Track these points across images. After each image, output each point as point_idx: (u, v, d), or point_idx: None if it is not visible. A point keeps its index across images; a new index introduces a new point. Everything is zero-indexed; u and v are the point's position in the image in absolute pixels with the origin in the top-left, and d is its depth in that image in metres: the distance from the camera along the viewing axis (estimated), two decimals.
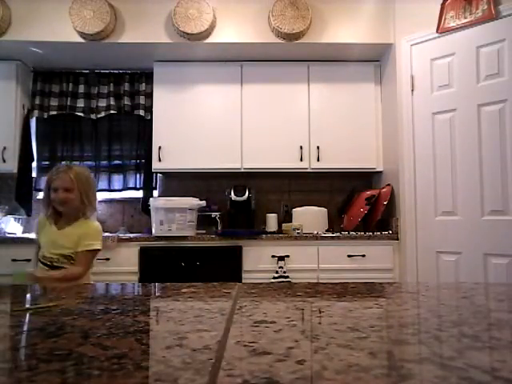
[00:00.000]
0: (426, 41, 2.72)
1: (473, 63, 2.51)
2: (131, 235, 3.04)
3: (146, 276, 2.81)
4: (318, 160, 3.17)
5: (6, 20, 2.89)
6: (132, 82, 3.47)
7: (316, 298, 0.47)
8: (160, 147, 3.17)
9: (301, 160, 3.16)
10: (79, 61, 3.30)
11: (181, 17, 2.88)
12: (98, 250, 1.95)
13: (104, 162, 3.53)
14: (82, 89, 3.44)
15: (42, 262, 1.93)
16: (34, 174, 3.40)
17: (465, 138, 2.53)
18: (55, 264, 1.90)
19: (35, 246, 2.01)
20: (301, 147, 3.17)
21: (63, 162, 2.02)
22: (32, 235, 3.08)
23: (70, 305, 0.46)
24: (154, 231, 2.90)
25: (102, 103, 3.44)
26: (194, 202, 2.93)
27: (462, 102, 2.55)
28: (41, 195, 3.51)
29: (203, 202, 2.98)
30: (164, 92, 3.23)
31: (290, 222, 3.14)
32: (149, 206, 2.97)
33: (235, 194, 3.17)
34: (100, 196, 3.50)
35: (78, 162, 3.53)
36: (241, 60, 3.22)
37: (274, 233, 3.06)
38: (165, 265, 2.84)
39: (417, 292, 0.53)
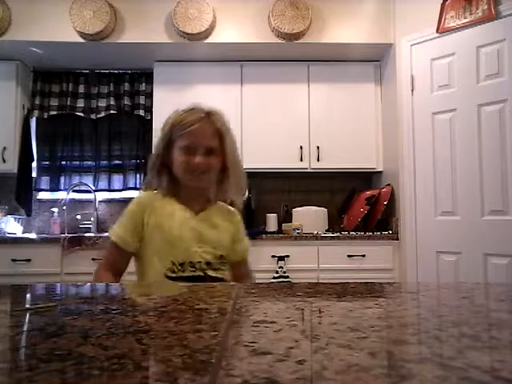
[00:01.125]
0: (426, 41, 2.72)
1: (473, 63, 2.51)
2: None
3: None
4: (318, 160, 3.17)
5: (5, 20, 2.89)
6: (132, 82, 3.47)
7: (316, 297, 0.47)
8: None
9: (301, 160, 3.16)
10: (79, 61, 3.29)
11: (181, 17, 2.88)
12: None
13: (104, 162, 3.52)
14: (82, 89, 3.44)
15: (172, 278, 1.16)
16: (34, 174, 3.40)
17: (465, 137, 2.53)
18: (208, 272, 1.20)
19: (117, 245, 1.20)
20: (301, 147, 3.16)
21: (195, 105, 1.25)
22: (32, 235, 3.09)
23: (70, 305, 0.46)
24: None
25: (102, 103, 3.44)
26: None
27: (462, 102, 2.55)
28: (41, 195, 3.51)
29: None
30: (164, 92, 3.23)
31: (290, 222, 3.14)
32: None
33: None
34: (100, 196, 3.51)
35: (77, 163, 3.53)
36: (241, 60, 3.22)
37: (274, 233, 3.06)
38: None
39: (417, 292, 0.53)
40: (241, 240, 1.33)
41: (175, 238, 1.19)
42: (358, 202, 3.17)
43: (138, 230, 1.20)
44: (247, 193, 3.19)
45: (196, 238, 1.21)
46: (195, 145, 1.19)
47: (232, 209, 1.33)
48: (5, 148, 3.14)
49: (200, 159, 1.18)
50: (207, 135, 1.20)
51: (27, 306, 0.48)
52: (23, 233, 3.26)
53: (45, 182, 3.46)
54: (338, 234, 2.90)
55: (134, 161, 3.52)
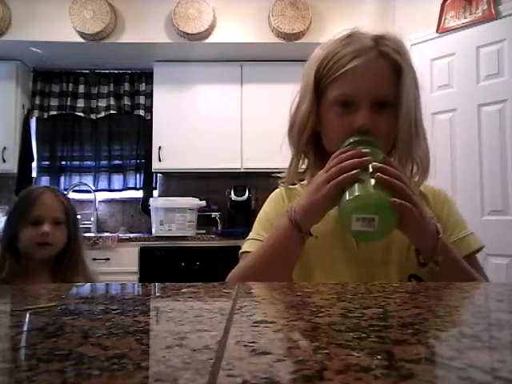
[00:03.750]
0: (426, 41, 2.72)
1: (473, 63, 2.51)
2: (131, 235, 3.04)
3: (145, 276, 2.81)
4: None
5: (6, 20, 2.88)
6: (132, 82, 3.47)
7: (316, 297, 0.47)
8: (160, 147, 3.17)
9: None
10: (79, 61, 3.30)
11: (181, 17, 2.88)
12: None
13: (104, 162, 3.53)
14: (81, 89, 3.45)
15: None
16: (34, 174, 3.40)
17: (465, 137, 2.53)
18: None
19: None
20: None
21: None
22: None
23: (70, 305, 0.46)
24: (153, 231, 2.90)
25: (102, 103, 3.44)
26: (194, 201, 2.93)
27: (462, 102, 2.55)
28: None
29: (203, 202, 2.98)
30: (164, 92, 3.23)
31: None
32: (149, 205, 2.97)
33: (235, 194, 3.17)
34: (100, 196, 3.51)
35: (77, 163, 3.54)
36: (241, 60, 3.22)
37: None
38: (165, 265, 2.84)
39: (417, 292, 0.53)
40: (445, 233, 0.74)
41: (329, 267, 0.74)
42: None
43: None
44: (247, 193, 3.19)
45: (362, 259, 0.75)
46: (356, 94, 0.71)
47: (423, 189, 0.84)
48: (5, 148, 3.14)
49: (364, 117, 0.70)
50: (376, 76, 0.72)
51: (27, 306, 0.48)
52: None
53: (45, 182, 3.46)
54: None
55: (133, 161, 3.53)
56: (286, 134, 0.88)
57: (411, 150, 0.76)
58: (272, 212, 0.85)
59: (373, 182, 0.61)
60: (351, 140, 0.70)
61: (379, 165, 0.63)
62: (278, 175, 0.88)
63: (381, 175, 0.61)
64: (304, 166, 0.85)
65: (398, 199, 0.60)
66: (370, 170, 0.63)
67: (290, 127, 0.87)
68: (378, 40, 0.75)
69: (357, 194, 0.61)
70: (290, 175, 0.85)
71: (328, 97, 0.76)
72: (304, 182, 0.84)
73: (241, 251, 0.83)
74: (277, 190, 0.89)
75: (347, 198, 0.62)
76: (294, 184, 0.86)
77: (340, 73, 0.72)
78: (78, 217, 1.42)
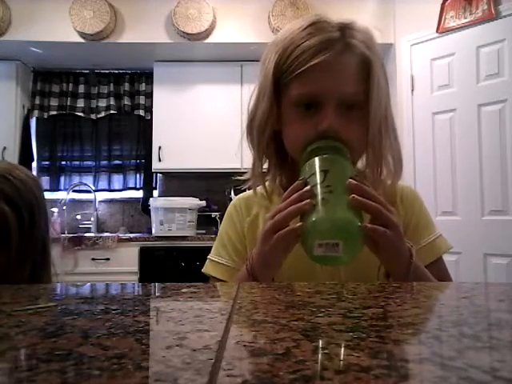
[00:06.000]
0: (426, 41, 2.73)
1: (473, 63, 2.51)
2: (131, 235, 3.04)
3: (145, 276, 2.81)
4: None
5: (6, 20, 2.88)
6: (132, 82, 3.47)
7: (316, 297, 0.47)
8: (160, 147, 3.17)
9: None
10: (79, 61, 3.30)
11: (181, 17, 2.89)
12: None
13: (104, 162, 3.53)
14: (82, 89, 3.45)
15: None
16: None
17: (465, 137, 2.53)
18: None
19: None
20: None
21: None
22: None
23: (70, 305, 0.46)
24: (154, 231, 2.90)
25: (102, 103, 3.44)
26: (194, 201, 2.93)
27: (462, 102, 2.55)
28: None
29: (203, 202, 2.98)
30: (164, 92, 3.23)
31: None
32: (149, 206, 2.97)
33: (235, 194, 3.17)
34: (100, 196, 3.51)
35: (77, 163, 3.54)
36: (241, 60, 3.21)
37: None
38: (165, 265, 2.84)
39: (417, 292, 0.53)
40: (415, 236, 0.74)
41: (291, 278, 0.68)
42: None
43: (240, 249, 0.77)
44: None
45: (328, 272, 0.70)
46: (321, 94, 0.65)
47: (396, 191, 0.77)
48: (5, 148, 3.14)
49: (329, 120, 0.63)
50: (343, 73, 0.66)
51: (27, 306, 0.48)
52: None
53: (45, 182, 3.46)
54: None
55: (133, 161, 3.53)
56: (245, 132, 0.76)
57: (382, 153, 0.68)
58: (231, 228, 0.79)
59: (339, 200, 0.56)
60: (314, 146, 0.63)
61: (353, 182, 0.56)
62: (239, 178, 0.78)
63: (356, 197, 0.55)
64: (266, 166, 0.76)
65: (369, 224, 0.55)
66: (338, 188, 0.57)
67: (249, 126, 0.74)
68: (345, 30, 0.70)
69: (321, 215, 0.55)
70: (253, 178, 0.75)
71: (289, 96, 0.68)
72: (267, 184, 0.76)
73: (203, 270, 0.79)
74: (234, 202, 0.82)
75: (309, 219, 0.55)
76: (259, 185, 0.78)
77: (302, 69, 0.64)
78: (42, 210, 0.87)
